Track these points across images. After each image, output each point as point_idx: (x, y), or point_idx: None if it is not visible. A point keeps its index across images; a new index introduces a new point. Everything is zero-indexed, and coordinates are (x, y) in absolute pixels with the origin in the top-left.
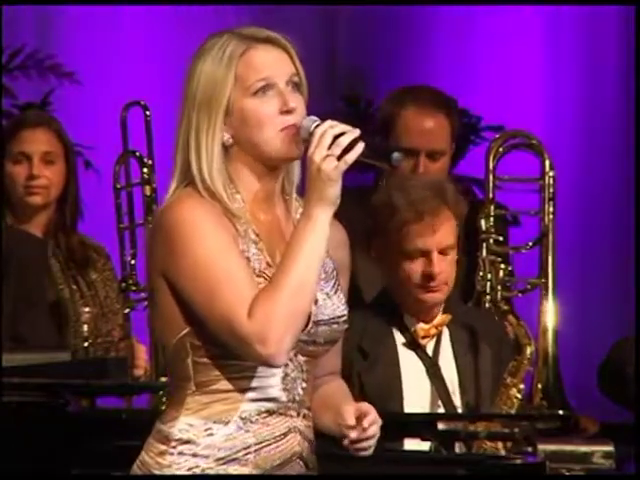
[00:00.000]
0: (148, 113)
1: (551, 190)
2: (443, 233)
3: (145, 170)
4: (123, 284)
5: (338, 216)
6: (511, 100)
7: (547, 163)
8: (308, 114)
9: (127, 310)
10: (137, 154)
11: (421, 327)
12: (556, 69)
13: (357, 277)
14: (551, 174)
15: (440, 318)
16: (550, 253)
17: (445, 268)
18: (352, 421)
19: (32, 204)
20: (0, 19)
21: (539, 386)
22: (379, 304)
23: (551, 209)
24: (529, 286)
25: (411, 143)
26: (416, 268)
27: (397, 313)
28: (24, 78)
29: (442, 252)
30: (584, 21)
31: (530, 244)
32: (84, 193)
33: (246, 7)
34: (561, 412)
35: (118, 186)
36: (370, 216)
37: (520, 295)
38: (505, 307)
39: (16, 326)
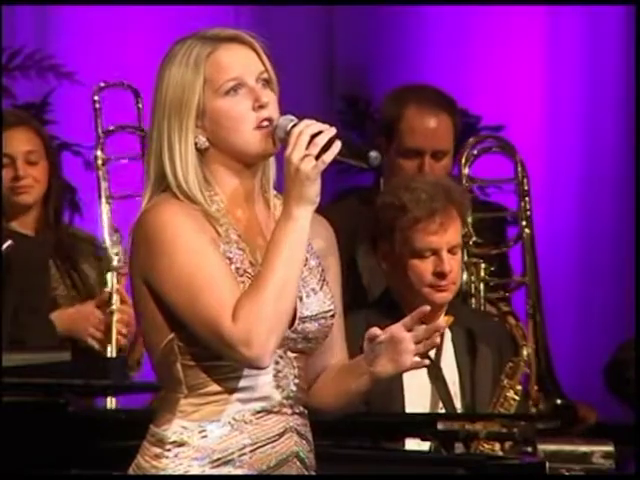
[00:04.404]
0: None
1: (525, 188)
2: (452, 232)
3: None
4: None
5: (339, 216)
6: (511, 100)
7: (517, 159)
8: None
9: None
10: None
11: None
12: (556, 69)
13: (362, 278)
14: (520, 170)
15: (442, 320)
16: (529, 250)
17: (454, 267)
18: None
19: (21, 203)
20: (0, 19)
21: (533, 378)
22: (381, 305)
23: (527, 206)
24: (513, 284)
25: (415, 144)
26: (426, 267)
27: (399, 314)
28: (24, 78)
29: (450, 251)
30: (584, 21)
31: (510, 243)
32: (84, 193)
33: (246, 7)
34: (559, 401)
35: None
36: (375, 217)
37: (506, 294)
38: (505, 308)
39: (12, 324)
